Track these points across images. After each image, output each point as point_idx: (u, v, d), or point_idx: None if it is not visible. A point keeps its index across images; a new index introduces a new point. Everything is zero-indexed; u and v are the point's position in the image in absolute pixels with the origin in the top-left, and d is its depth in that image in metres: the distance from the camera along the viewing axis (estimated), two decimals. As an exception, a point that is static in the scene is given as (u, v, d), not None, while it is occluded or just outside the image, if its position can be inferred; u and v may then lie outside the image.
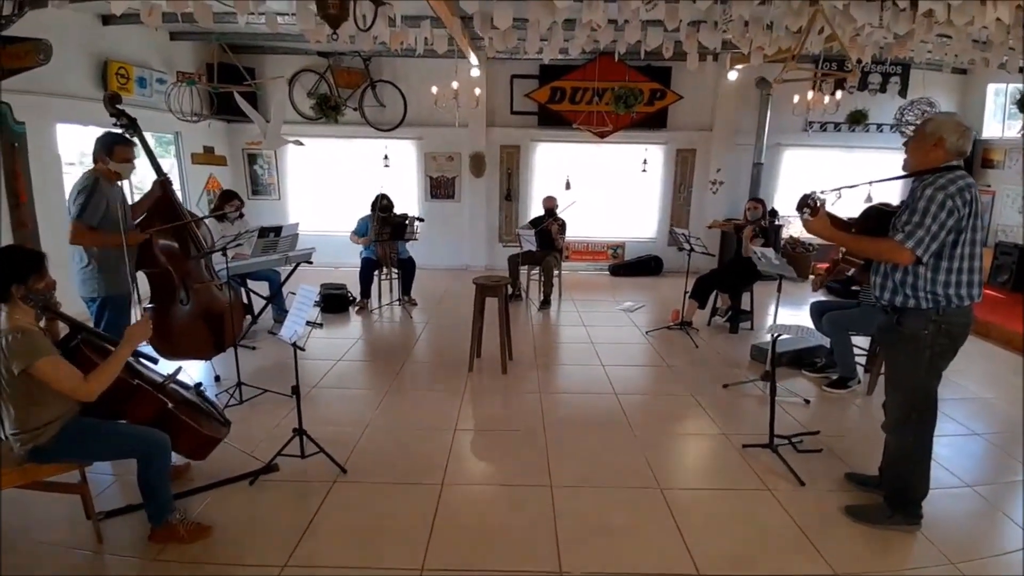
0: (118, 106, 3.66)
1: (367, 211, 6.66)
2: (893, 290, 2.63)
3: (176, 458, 2.78)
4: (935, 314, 2.54)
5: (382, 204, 6.50)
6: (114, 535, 2.63)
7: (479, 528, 2.78)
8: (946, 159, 2.51)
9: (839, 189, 2.98)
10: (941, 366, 2.66)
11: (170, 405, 2.69)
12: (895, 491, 2.79)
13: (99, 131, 3.63)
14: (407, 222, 6.49)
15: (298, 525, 2.71)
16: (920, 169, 2.57)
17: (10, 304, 2.32)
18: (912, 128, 2.74)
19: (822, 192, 2.82)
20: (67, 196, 3.64)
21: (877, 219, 2.80)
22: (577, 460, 3.39)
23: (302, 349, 3.13)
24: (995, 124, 8.20)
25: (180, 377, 2.91)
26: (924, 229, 2.42)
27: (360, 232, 6.62)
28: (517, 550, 2.60)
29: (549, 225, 6.87)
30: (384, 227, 6.40)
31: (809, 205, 2.74)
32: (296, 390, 3.20)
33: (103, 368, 2.41)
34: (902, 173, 2.70)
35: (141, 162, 3.84)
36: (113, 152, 3.47)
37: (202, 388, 3.07)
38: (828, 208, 2.80)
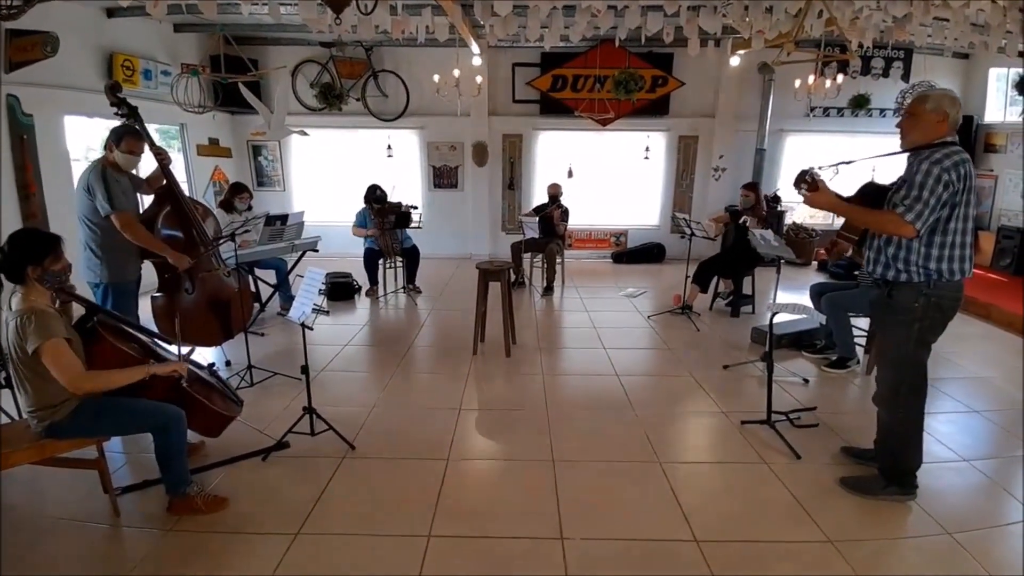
0: (119, 95, 3.69)
1: (361, 203, 6.67)
2: (886, 264, 2.68)
3: (191, 436, 2.86)
4: (926, 287, 2.59)
5: (375, 195, 6.53)
6: (131, 509, 2.72)
7: (483, 499, 2.87)
8: (948, 133, 2.56)
9: (836, 165, 3.00)
10: (930, 339, 2.71)
11: (185, 383, 2.76)
12: (888, 462, 2.85)
13: (104, 123, 3.68)
14: (411, 210, 6.54)
15: (310, 497, 2.80)
16: (920, 144, 2.59)
17: (26, 285, 2.39)
18: (903, 107, 2.76)
19: (819, 168, 2.86)
20: (75, 187, 3.66)
21: (874, 196, 2.84)
22: (579, 437, 3.47)
23: (310, 328, 3.20)
24: (997, 108, 8.19)
25: (193, 358, 2.99)
26: (923, 203, 2.46)
27: (360, 225, 6.64)
28: (519, 518, 2.69)
29: (552, 211, 6.92)
30: (386, 217, 6.45)
31: (807, 180, 2.77)
32: (305, 369, 3.28)
33: (110, 374, 2.48)
34: (899, 149, 2.72)
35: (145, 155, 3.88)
36: (121, 142, 3.49)
37: (215, 368, 3.15)
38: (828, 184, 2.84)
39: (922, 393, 2.75)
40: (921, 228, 2.49)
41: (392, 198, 6.64)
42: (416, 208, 6.76)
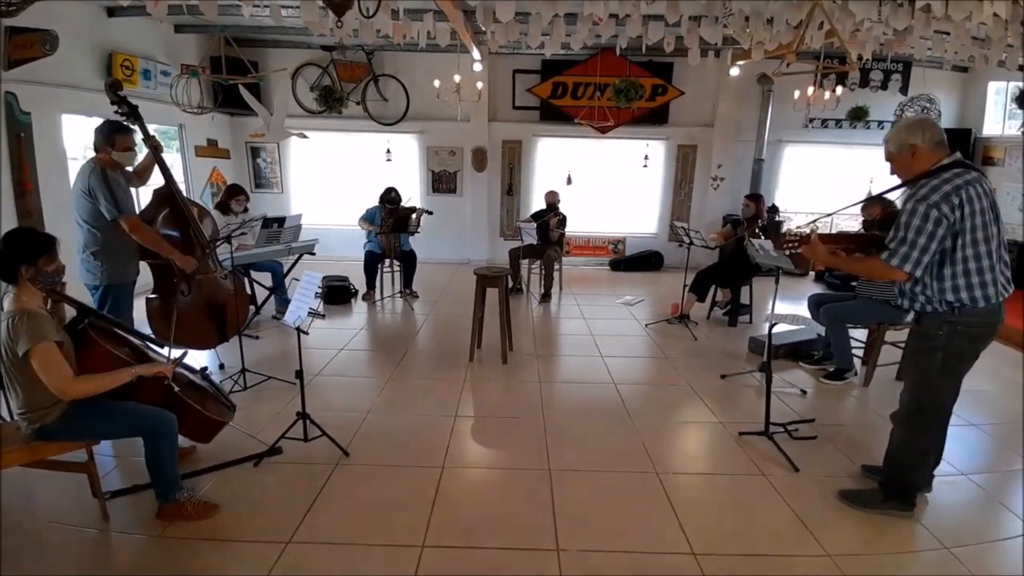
0: (119, 93, 3.62)
1: (374, 202, 6.76)
2: (911, 298, 2.61)
3: (182, 440, 2.82)
4: (951, 315, 2.48)
5: (389, 197, 6.60)
6: (120, 514, 2.67)
7: (478, 508, 2.83)
8: (933, 159, 2.45)
9: (814, 222, 3.01)
10: (958, 368, 2.58)
11: (176, 388, 2.72)
12: (892, 479, 2.81)
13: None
14: (413, 215, 6.54)
15: (302, 504, 2.76)
16: (917, 175, 2.49)
17: (18, 286, 2.35)
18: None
19: (798, 228, 2.85)
20: (71, 188, 3.61)
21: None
22: (575, 446, 3.44)
23: (306, 333, 3.17)
24: (995, 122, 8.24)
25: (186, 361, 2.95)
26: (908, 245, 2.38)
27: (368, 218, 6.69)
28: (515, 528, 2.65)
29: (549, 219, 6.92)
30: (388, 218, 6.46)
31: (790, 242, 2.77)
32: (300, 374, 3.25)
33: (98, 379, 2.42)
34: (898, 182, 2.65)
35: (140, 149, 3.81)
36: (114, 141, 3.43)
37: (207, 372, 3.11)
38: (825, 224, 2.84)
39: (938, 420, 2.69)
40: (913, 270, 2.41)
41: (406, 204, 6.71)
42: (431, 213, 6.78)
